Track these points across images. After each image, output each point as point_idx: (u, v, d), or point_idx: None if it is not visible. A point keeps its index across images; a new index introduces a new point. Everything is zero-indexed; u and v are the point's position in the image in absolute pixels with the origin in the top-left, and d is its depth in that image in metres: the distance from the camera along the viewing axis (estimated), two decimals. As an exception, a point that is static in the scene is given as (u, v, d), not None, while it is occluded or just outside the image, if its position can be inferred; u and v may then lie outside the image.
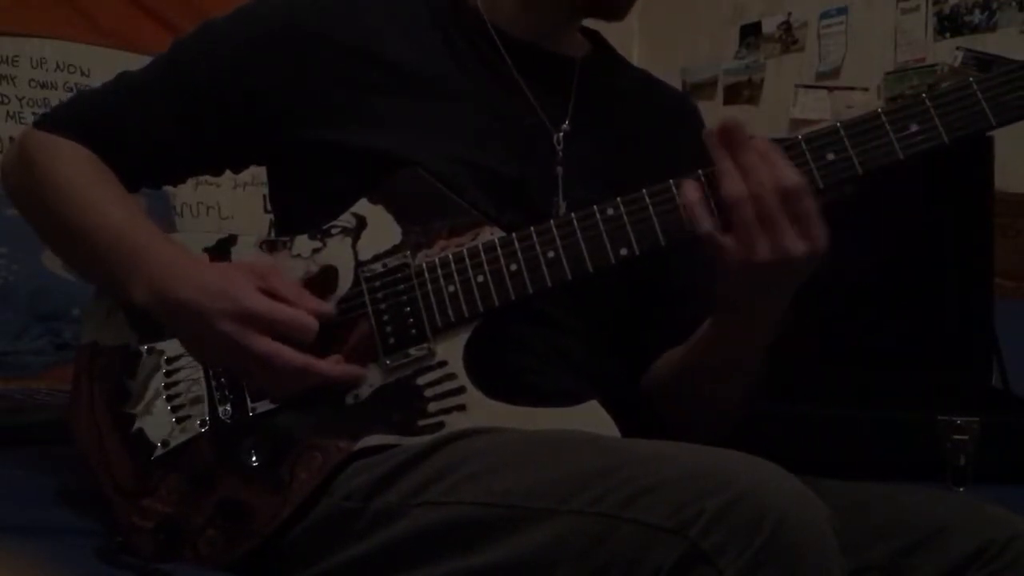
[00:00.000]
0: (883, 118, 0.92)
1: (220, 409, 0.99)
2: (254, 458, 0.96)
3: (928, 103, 0.92)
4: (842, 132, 0.93)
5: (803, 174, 0.91)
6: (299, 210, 1.08)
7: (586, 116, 1.09)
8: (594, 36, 1.19)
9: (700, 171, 0.93)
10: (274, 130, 1.05)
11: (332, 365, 0.95)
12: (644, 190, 0.95)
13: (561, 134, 1.07)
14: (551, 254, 0.96)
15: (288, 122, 1.05)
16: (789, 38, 3.15)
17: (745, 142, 0.90)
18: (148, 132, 1.07)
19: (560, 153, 1.06)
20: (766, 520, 0.71)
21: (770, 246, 0.89)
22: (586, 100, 1.10)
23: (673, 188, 0.94)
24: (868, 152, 0.92)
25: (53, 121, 1.10)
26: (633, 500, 0.76)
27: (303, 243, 1.02)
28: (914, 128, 0.92)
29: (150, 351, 1.03)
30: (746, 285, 0.93)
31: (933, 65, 2.73)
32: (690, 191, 0.92)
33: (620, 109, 1.14)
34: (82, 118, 1.09)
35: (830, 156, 0.92)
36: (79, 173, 1.04)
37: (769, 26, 3.21)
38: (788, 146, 0.93)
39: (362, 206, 1.01)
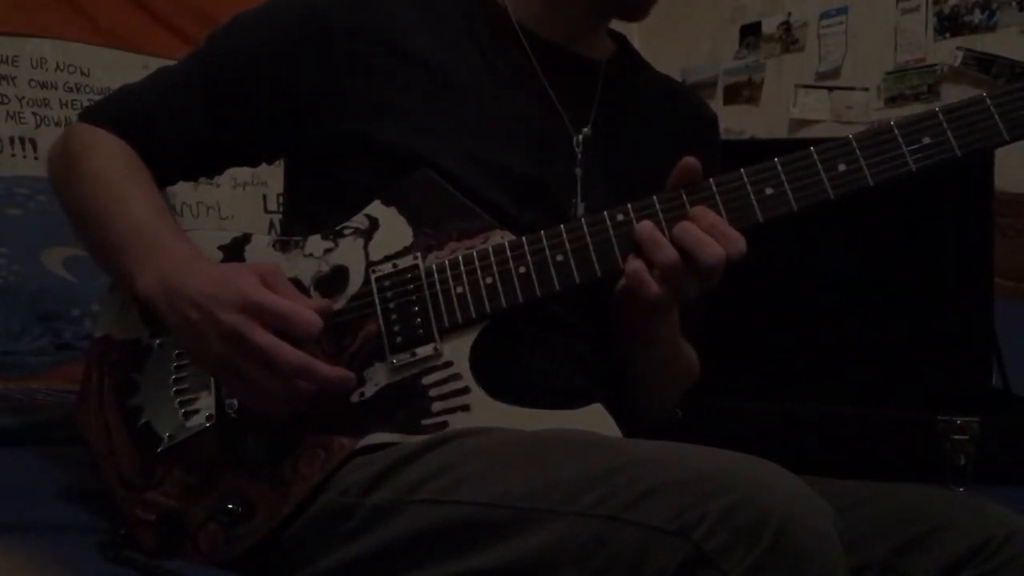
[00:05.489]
0: (896, 131, 0.93)
1: (227, 403, 0.99)
2: (257, 453, 0.96)
3: (941, 117, 0.93)
4: (854, 144, 0.93)
5: (815, 184, 0.93)
6: (313, 203, 1.08)
7: (608, 119, 1.10)
8: (620, 39, 1.19)
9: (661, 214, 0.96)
10: (302, 122, 1.06)
11: (329, 367, 0.93)
12: (654, 196, 0.96)
13: (581, 137, 1.07)
14: (560, 257, 0.96)
15: (315, 114, 1.05)
16: (789, 38, 3.15)
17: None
18: (182, 126, 1.09)
19: (580, 156, 1.07)
20: (770, 522, 0.71)
21: (678, 293, 0.95)
22: (609, 103, 1.11)
23: (683, 196, 0.95)
24: (880, 164, 0.93)
25: (94, 114, 1.13)
26: (636, 502, 0.76)
27: (316, 243, 1.03)
28: (927, 141, 0.93)
29: (162, 345, 1.03)
30: (646, 313, 1.00)
31: (933, 65, 2.73)
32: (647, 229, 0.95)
33: (641, 113, 1.15)
34: (120, 112, 1.11)
35: (841, 167, 0.93)
36: (112, 167, 1.06)
37: (769, 26, 3.21)
38: (796, 157, 0.94)
39: (375, 208, 1.02)
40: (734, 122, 3.21)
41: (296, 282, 1.01)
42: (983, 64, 2.60)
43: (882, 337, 1.78)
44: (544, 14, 1.09)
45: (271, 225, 2.30)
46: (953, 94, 2.68)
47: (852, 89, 2.95)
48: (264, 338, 0.90)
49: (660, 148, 1.08)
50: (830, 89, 3.00)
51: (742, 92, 3.28)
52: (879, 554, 0.93)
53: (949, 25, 2.69)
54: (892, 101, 2.82)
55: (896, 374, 1.71)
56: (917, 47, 2.77)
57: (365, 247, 1.01)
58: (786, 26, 3.15)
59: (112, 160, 1.07)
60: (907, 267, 1.81)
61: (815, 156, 0.94)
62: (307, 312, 0.91)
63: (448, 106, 1.04)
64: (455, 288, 0.98)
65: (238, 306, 0.90)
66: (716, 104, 3.28)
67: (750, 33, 3.27)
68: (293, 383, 0.91)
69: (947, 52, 2.68)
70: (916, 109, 2.75)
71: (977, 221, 1.76)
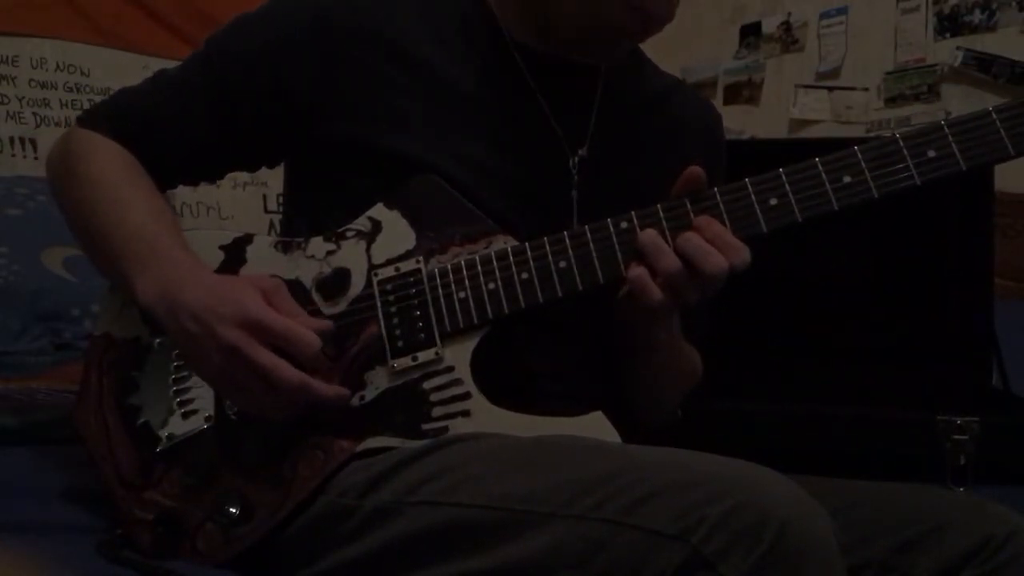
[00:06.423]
0: (901, 143, 0.93)
1: (226, 403, 0.99)
2: (257, 454, 0.96)
3: (947, 130, 0.92)
4: (859, 156, 0.93)
5: (819, 195, 0.92)
6: (313, 204, 1.08)
7: (606, 132, 1.09)
8: None
9: (665, 220, 0.95)
10: (303, 124, 1.06)
11: (325, 386, 0.93)
12: (658, 205, 0.96)
13: (577, 159, 1.07)
14: (563, 264, 0.96)
15: (315, 116, 1.05)
16: (789, 38, 3.15)
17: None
18: (182, 129, 1.08)
19: (575, 177, 1.07)
20: (768, 526, 0.71)
21: (680, 299, 0.95)
22: (608, 113, 1.10)
23: (688, 204, 0.95)
24: (885, 176, 0.93)
25: (93, 117, 1.12)
26: (635, 506, 0.76)
27: (318, 245, 1.02)
28: (932, 154, 0.92)
29: (162, 344, 1.03)
30: (647, 317, 0.99)
31: (933, 65, 2.73)
32: (650, 236, 0.94)
33: (642, 120, 1.14)
34: (119, 115, 1.10)
35: (846, 179, 0.93)
36: (110, 171, 1.05)
37: (769, 26, 3.21)
38: (801, 167, 0.94)
39: (378, 211, 1.01)
40: (734, 122, 3.20)
41: (298, 283, 1.01)
42: (983, 64, 2.61)
43: (882, 337, 1.78)
44: (540, 27, 1.08)
45: (271, 225, 2.30)
46: (953, 94, 2.68)
47: (852, 89, 2.95)
48: (264, 357, 0.90)
49: (662, 155, 1.08)
50: (830, 89, 3.00)
51: (742, 92, 3.28)
52: (879, 553, 0.93)
53: (949, 25, 2.70)
54: (892, 101, 2.83)
55: (896, 374, 1.71)
56: (917, 47, 2.77)
57: (367, 250, 1.01)
58: (786, 26, 3.15)
59: (111, 164, 1.06)
60: (907, 267, 1.81)
61: (820, 168, 0.93)
62: (307, 333, 0.91)
63: (448, 111, 1.04)
64: (457, 293, 0.97)
65: (238, 322, 0.90)
66: (716, 104, 3.28)
67: (750, 33, 3.27)
68: (290, 399, 0.91)
69: (947, 52, 2.68)
70: (916, 109, 2.75)
71: (978, 222, 1.76)
